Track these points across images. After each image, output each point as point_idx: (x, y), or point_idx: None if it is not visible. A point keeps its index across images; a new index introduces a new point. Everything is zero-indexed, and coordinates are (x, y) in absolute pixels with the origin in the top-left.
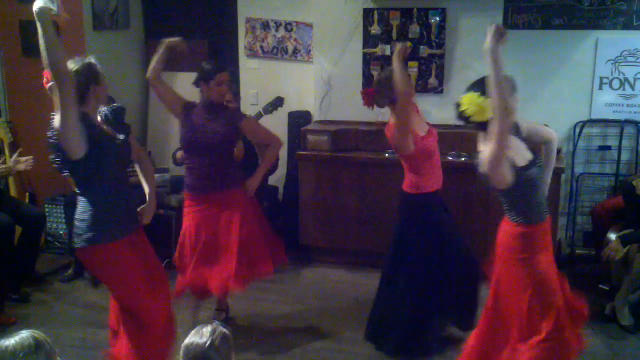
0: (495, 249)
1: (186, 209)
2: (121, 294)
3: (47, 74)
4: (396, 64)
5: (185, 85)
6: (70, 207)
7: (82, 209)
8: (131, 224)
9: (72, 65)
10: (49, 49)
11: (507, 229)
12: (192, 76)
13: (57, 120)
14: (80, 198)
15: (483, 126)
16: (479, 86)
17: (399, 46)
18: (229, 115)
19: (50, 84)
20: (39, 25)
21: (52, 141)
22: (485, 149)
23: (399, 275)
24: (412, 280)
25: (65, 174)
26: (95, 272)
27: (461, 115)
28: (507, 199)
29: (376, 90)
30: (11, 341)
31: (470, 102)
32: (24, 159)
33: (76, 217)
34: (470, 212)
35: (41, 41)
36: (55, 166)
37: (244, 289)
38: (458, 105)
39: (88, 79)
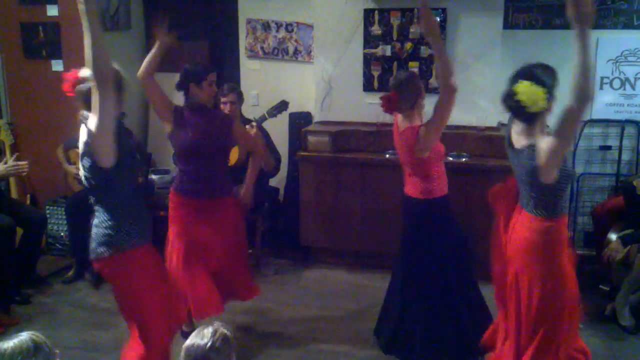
0: (514, 245)
1: (174, 212)
2: (138, 301)
3: (69, 76)
4: (437, 42)
5: None
6: (71, 209)
7: (106, 216)
8: (149, 229)
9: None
10: (94, 46)
11: (530, 225)
12: None
13: (94, 125)
14: (100, 207)
15: (532, 117)
16: (530, 75)
17: (425, 16)
18: (221, 118)
19: (81, 86)
20: (84, 20)
21: (87, 147)
22: (545, 141)
23: (417, 280)
24: (431, 283)
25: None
26: (118, 281)
27: (515, 106)
28: (544, 193)
29: (399, 94)
30: (9, 343)
31: (528, 92)
32: (21, 162)
33: (98, 225)
34: (471, 213)
35: (87, 38)
36: (85, 174)
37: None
38: (511, 95)
39: (116, 83)
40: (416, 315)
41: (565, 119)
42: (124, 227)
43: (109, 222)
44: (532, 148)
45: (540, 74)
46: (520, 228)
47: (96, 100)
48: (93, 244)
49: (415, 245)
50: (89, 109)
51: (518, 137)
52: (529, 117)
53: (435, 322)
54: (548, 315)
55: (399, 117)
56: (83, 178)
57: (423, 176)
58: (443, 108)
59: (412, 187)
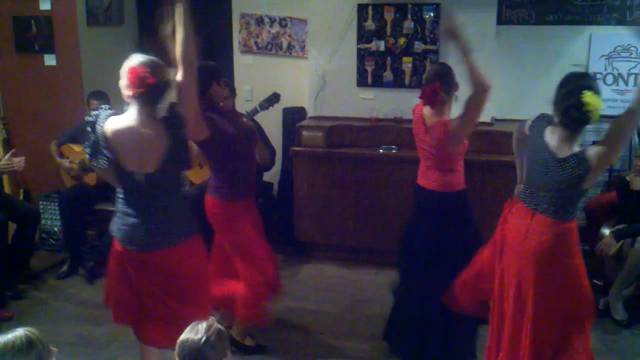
0: (531, 250)
1: (233, 223)
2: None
3: (136, 70)
4: (466, 50)
5: None
6: (65, 204)
7: (177, 205)
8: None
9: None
10: (187, 41)
11: (550, 229)
12: None
13: (186, 113)
14: (164, 201)
15: (582, 126)
16: (589, 85)
17: (449, 26)
18: (233, 112)
19: (156, 81)
20: (180, 17)
21: (175, 138)
22: (599, 149)
23: (430, 274)
24: (444, 278)
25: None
26: (190, 264)
27: (579, 116)
28: (573, 198)
29: (442, 84)
30: (3, 338)
31: (595, 103)
32: (17, 159)
33: (156, 221)
34: None
35: (180, 33)
36: (162, 166)
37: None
38: (579, 106)
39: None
40: (419, 310)
41: (619, 126)
42: (183, 219)
43: (182, 210)
44: (580, 156)
45: (595, 85)
46: (538, 233)
47: (186, 90)
48: (153, 238)
49: (432, 238)
50: (154, 101)
51: (560, 146)
52: (580, 127)
53: (437, 320)
54: (576, 312)
55: (426, 111)
56: (146, 174)
57: (447, 170)
58: (480, 104)
59: (430, 180)
